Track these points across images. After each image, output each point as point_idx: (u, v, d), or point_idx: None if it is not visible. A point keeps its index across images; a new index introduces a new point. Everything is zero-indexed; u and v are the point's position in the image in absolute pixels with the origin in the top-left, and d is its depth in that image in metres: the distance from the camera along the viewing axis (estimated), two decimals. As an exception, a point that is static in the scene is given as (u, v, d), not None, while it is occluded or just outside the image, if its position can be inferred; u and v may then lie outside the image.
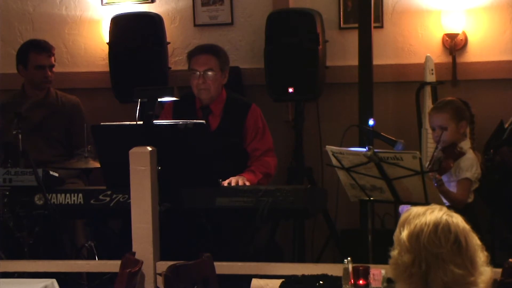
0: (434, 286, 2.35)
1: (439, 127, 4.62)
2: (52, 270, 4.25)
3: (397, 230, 2.43)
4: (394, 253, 2.41)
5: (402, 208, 4.52)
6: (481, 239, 2.48)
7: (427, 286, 2.37)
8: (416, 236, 2.37)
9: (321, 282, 3.71)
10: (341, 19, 5.95)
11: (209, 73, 5.04)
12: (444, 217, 2.39)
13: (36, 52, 5.68)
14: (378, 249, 4.41)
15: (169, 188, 4.29)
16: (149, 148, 4.11)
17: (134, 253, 3.99)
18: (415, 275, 2.36)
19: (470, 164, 4.56)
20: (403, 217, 2.45)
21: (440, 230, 2.36)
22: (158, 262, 4.08)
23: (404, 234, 2.37)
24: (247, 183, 4.70)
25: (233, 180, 4.68)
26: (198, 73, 5.05)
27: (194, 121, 4.47)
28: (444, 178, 4.54)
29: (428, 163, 4.50)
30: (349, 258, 3.27)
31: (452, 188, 4.56)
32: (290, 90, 5.53)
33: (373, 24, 5.50)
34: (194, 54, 5.14)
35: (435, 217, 2.39)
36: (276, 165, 5.12)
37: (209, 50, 5.13)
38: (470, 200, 4.57)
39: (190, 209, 4.48)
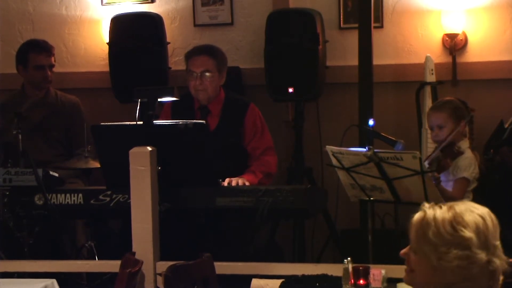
0: (495, 275, 2.32)
1: (438, 126, 4.62)
2: (52, 270, 4.25)
3: (444, 229, 2.31)
4: (460, 253, 2.29)
5: None
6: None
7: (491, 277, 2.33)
8: (483, 231, 2.33)
9: (321, 282, 3.71)
10: (341, 19, 5.95)
11: (207, 74, 5.04)
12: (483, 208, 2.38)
13: (35, 53, 5.67)
14: (378, 249, 4.42)
15: (169, 188, 4.29)
16: (149, 148, 4.11)
17: (134, 253, 3.99)
18: (488, 270, 2.32)
19: (468, 163, 4.56)
20: (447, 217, 2.32)
21: (494, 219, 2.36)
22: (158, 262, 4.08)
23: (468, 232, 2.31)
24: (247, 183, 4.70)
25: (233, 181, 4.68)
26: (195, 74, 5.05)
27: (194, 121, 4.47)
28: (443, 177, 4.55)
29: (425, 161, 4.50)
30: (349, 258, 3.27)
31: (450, 187, 4.57)
32: (290, 90, 5.53)
33: (373, 24, 5.50)
34: (191, 55, 5.14)
35: (482, 208, 2.37)
36: (277, 163, 5.12)
37: (206, 51, 5.12)
38: (468, 199, 4.57)
39: (190, 209, 4.48)
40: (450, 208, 2.34)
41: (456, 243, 2.29)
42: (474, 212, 2.33)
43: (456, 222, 2.30)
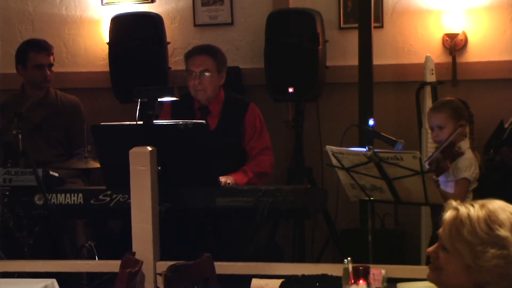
0: None
1: (438, 127, 4.62)
2: (52, 270, 4.25)
3: (479, 227, 2.27)
4: (498, 253, 2.26)
5: None
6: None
7: None
8: None
9: (321, 282, 3.71)
10: (341, 19, 5.95)
11: (206, 74, 5.04)
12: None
13: (35, 52, 5.67)
14: (378, 249, 4.42)
15: (169, 188, 4.29)
16: (149, 148, 4.11)
17: (134, 253, 3.99)
18: None
19: (468, 164, 4.55)
20: (481, 215, 2.29)
21: None
22: (158, 262, 4.08)
23: (504, 231, 2.26)
24: (230, 183, 4.71)
25: (222, 180, 4.69)
26: (194, 74, 5.05)
27: (194, 121, 4.48)
28: (442, 178, 4.55)
29: (425, 162, 4.50)
30: (349, 258, 3.26)
31: (450, 188, 4.56)
32: (290, 90, 5.53)
33: (373, 24, 5.50)
34: (191, 55, 5.14)
35: None
36: (273, 164, 5.12)
37: (205, 51, 5.13)
38: (468, 200, 4.56)
39: (190, 209, 4.48)
40: (482, 206, 2.31)
41: (492, 242, 2.26)
42: (506, 211, 2.31)
43: (491, 221, 2.28)
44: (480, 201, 2.34)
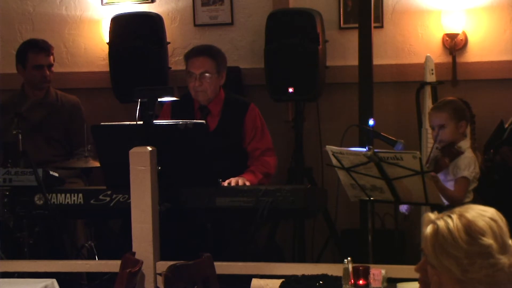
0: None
1: (438, 126, 4.63)
2: (52, 270, 4.25)
3: (461, 240, 2.23)
4: (485, 262, 2.23)
5: (402, 207, 4.52)
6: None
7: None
8: (499, 234, 2.28)
9: (321, 282, 3.71)
10: (341, 19, 5.95)
11: (206, 75, 5.03)
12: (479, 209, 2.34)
13: (34, 52, 5.67)
14: (378, 249, 4.42)
15: (169, 188, 4.29)
16: (149, 148, 4.11)
17: (134, 253, 3.99)
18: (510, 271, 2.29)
19: (468, 163, 4.56)
20: (461, 226, 2.25)
21: (503, 218, 2.31)
22: (158, 262, 4.08)
23: (486, 239, 2.22)
24: (247, 183, 4.70)
25: (233, 181, 4.68)
26: (194, 75, 5.04)
27: (194, 121, 4.48)
28: (442, 176, 4.55)
29: (425, 161, 4.50)
30: (349, 258, 3.27)
31: (450, 187, 4.57)
32: (290, 90, 5.53)
33: (373, 24, 5.50)
34: (190, 56, 5.12)
35: (490, 209, 2.31)
36: (276, 164, 5.12)
37: (205, 52, 5.11)
38: (468, 199, 4.57)
39: (190, 209, 4.48)
40: (460, 216, 2.26)
41: (477, 252, 2.23)
42: (485, 216, 2.27)
43: (472, 231, 2.23)
44: (457, 210, 2.29)
